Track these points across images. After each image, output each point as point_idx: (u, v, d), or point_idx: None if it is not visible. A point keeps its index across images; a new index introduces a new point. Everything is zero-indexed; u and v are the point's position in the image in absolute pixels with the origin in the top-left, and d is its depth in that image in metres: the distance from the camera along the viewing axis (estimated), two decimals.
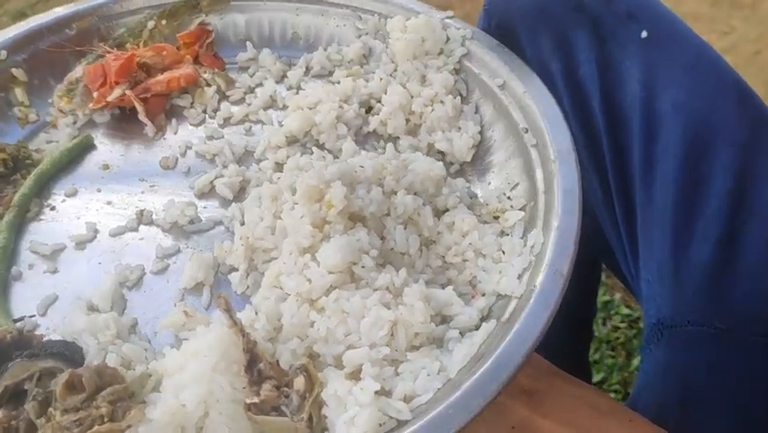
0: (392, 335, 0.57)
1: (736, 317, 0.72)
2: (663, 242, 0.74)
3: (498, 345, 0.54)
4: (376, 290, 0.60)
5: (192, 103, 0.84)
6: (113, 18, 0.87)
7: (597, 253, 0.92)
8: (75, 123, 0.81)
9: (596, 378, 1.44)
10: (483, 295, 0.62)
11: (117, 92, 0.78)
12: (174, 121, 0.82)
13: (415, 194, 0.67)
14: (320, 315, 0.58)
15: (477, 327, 0.59)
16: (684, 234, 0.73)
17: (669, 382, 0.77)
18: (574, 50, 0.78)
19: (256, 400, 0.51)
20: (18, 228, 0.71)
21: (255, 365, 0.52)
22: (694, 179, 0.72)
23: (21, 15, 2.97)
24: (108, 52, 0.83)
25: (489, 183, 0.73)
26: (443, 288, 0.63)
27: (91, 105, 0.79)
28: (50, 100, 0.82)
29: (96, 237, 0.71)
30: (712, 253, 0.71)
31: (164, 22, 0.86)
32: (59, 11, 0.85)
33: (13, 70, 0.81)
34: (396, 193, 0.66)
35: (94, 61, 0.82)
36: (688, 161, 0.72)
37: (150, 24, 0.86)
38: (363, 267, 0.61)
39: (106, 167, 0.78)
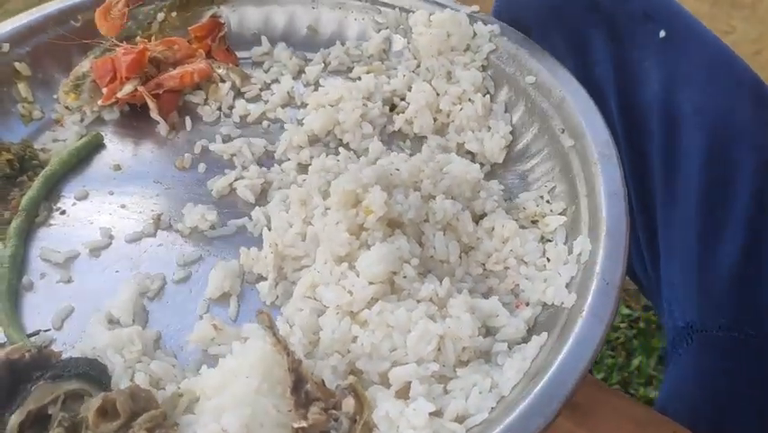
0: (439, 349, 0.54)
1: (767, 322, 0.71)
2: (688, 243, 0.72)
3: (552, 361, 0.52)
4: (419, 301, 0.57)
5: (206, 99, 0.80)
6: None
7: None
8: (82, 120, 0.76)
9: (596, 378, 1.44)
10: (527, 304, 0.60)
11: (128, 88, 0.74)
12: (188, 119, 0.78)
13: (452, 197, 0.64)
14: (363, 329, 0.55)
15: (524, 340, 0.57)
16: (710, 235, 0.71)
17: (701, 389, 0.75)
18: (589, 50, 0.77)
19: (304, 424, 0.47)
20: (27, 234, 0.66)
21: (301, 386, 0.49)
22: (718, 180, 0.70)
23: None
24: (117, 46, 0.78)
25: (524, 185, 0.71)
26: (485, 297, 0.61)
27: (100, 101, 0.75)
28: (55, 96, 0.77)
29: (111, 243, 0.67)
30: (738, 254, 0.70)
31: (174, 14, 0.82)
32: (63, 2, 0.80)
33: (16, 64, 0.76)
34: (434, 198, 0.63)
35: (101, 55, 0.78)
36: (711, 163, 0.71)
37: (160, 16, 0.81)
38: (405, 277, 0.58)
39: (118, 168, 0.73)
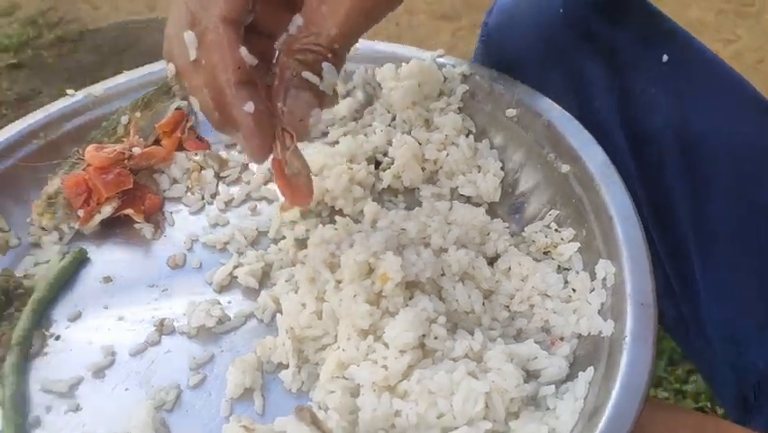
0: (487, 406, 0.51)
1: None
2: (745, 283, 0.70)
3: (607, 395, 0.49)
4: (454, 359, 0.54)
5: (188, 190, 0.77)
6: (81, 119, 0.80)
7: None
8: (61, 238, 0.73)
9: None
10: (562, 339, 0.58)
11: (108, 210, 0.71)
12: (170, 214, 0.75)
13: (462, 246, 0.62)
14: (405, 400, 0.52)
15: (569, 377, 0.55)
16: None
17: None
18: (588, 83, 0.75)
19: None
20: (24, 368, 0.62)
21: None
22: (757, 209, 0.69)
23: (31, 23, 2.99)
24: (81, 160, 0.75)
25: (526, 218, 0.69)
26: (516, 340, 0.58)
27: (77, 224, 0.72)
28: (28, 219, 0.74)
29: (114, 361, 0.63)
30: None
31: (138, 114, 0.79)
32: (23, 122, 0.78)
33: None
34: (445, 250, 0.61)
35: (70, 170, 0.75)
36: (742, 192, 0.69)
37: (124, 119, 0.79)
38: (436, 338, 0.55)
39: (108, 279, 0.70)
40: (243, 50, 0.50)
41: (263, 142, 0.51)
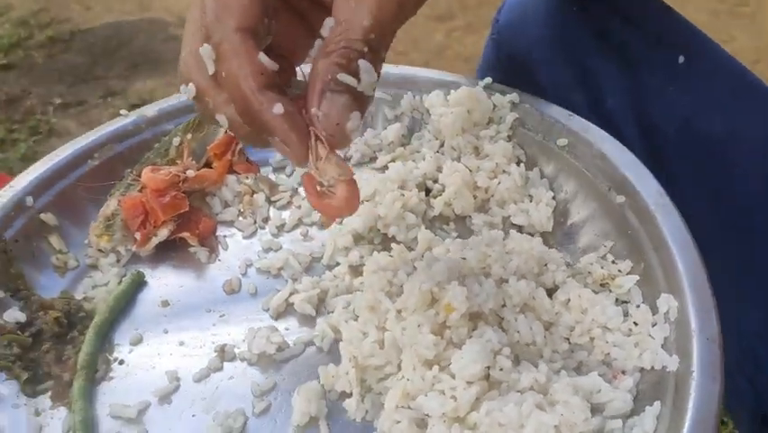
0: None
1: None
2: (766, 292, 0.70)
3: (676, 431, 0.50)
4: (520, 391, 0.55)
5: (240, 213, 0.78)
6: (134, 140, 0.81)
7: None
8: (119, 261, 0.74)
9: None
10: (624, 373, 0.59)
11: (164, 233, 0.72)
12: (224, 238, 0.76)
13: (522, 277, 0.63)
14: (474, 432, 0.53)
15: (633, 411, 0.56)
16: None
17: None
18: (600, 80, 0.75)
19: None
20: (91, 393, 0.63)
21: None
22: None
23: (23, 23, 3.02)
24: (137, 181, 0.77)
25: (580, 249, 0.70)
26: (577, 373, 0.59)
27: (134, 247, 0.73)
28: (86, 241, 0.75)
29: (179, 386, 0.64)
30: None
31: (189, 136, 0.80)
32: (77, 143, 0.79)
33: (42, 216, 0.73)
34: (506, 280, 0.62)
35: (126, 191, 0.76)
36: (762, 195, 0.70)
37: (176, 141, 0.80)
38: (501, 369, 0.56)
39: (166, 303, 0.71)
40: (263, 56, 0.47)
41: (302, 142, 0.47)
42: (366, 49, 0.47)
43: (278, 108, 0.46)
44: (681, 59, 0.73)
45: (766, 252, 0.73)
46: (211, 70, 0.49)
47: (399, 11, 0.48)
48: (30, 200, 0.73)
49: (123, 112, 0.82)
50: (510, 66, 0.78)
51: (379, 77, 0.48)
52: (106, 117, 2.36)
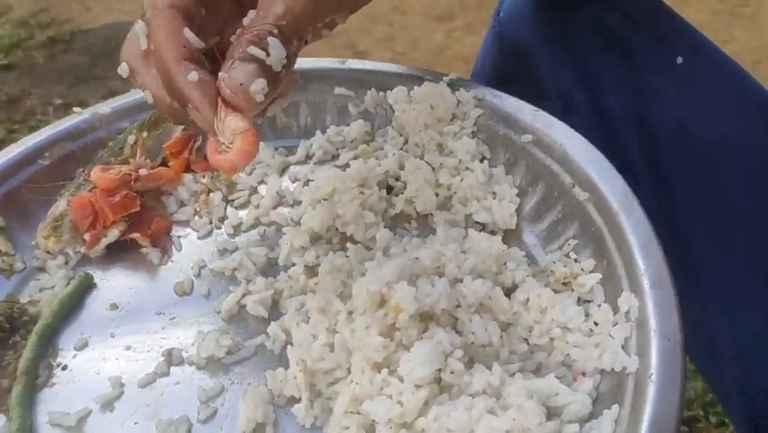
0: None
1: None
2: (758, 299, 0.68)
3: None
4: (472, 395, 0.53)
5: (195, 213, 0.76)
6: (87, 138, 0.79)
7: None
8: (67, 263, 0.71)
9: None
10: (584, 375, 0.56)
11: (114, 233, 0.70)
12: (178, 239, 0.74)
13: (478, 276, 0.60)
14: None
15: (592, 415, 0.53)
16: None
17: None
18: (601, 78, 0.74)
19: None
20: (31, 400, 0.61)
21: None
22: None
23: (23, 24, 3.00)
24: (87, 181, 0.74)
25: (544, 247, 0.68)
26: (536, 375, 0.57)
27: (83, 248, 0.70)
28: (33, 242, 0.72)
29: (123, 392, 0.61)
30: None
31: (145, 134, 0.78)
32: (28, 141, 0.76)
33: None
34: (461, 280, 0.59)
35: (76, 191, 0.74)
36: (758, 201, 0.68)
37: (131, 139, 0.78)
38: (452, 372, 0.53)
39: (114, 306, 0.68)
40: (188, 32, 0.50)
41: (212, 106, 0.50)
42: (276, 31, 0.50)
43: (193, 75, 0.49)
44: (680, 60, 0.72)
45: (761, 257, 0.71)
46: (143, 45, 0.52)
47: (314, 6, 0.51)
48: None
49: (76, 109, 0.80)
50: (511, 59, 0.77)
51: (291, 63, 0.51)
52: None
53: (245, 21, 0.52)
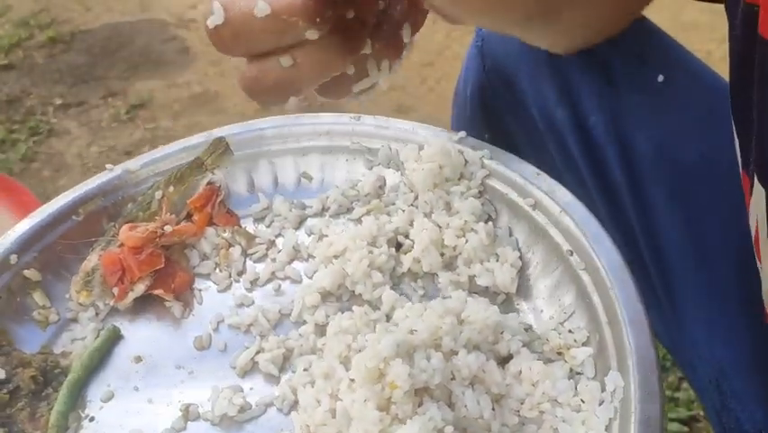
0: None
1: None
2: (733, 325, 0.69)
3: None
4: None
5: (216, 267, 0.80)
6: (118, 194, 0.84)
7: None
8: (97, 315, 0.77)
9: None
10: None
11: (140, 288, 0.75)
12: (199, 292, 0.79)
13: (474, 347, 0.63)
14: None
15: None
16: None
17: None
18: (582, 97, 0.74)
19: None
20: None
21: None
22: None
23: (23, 24, 3.08)
24: (117, 236, 0.79)
25: (541, 312, 0.70)
26: None
27: (111, 302, 0.76)
28: (67, 295, 0.78)
29: None
30: None
31: (171, 188, 0.83)
32: (61, 200, 0.82)
33: (26, 272, 0.77)
34: (456, 353, 0.62)
35: (107, 246, 0.79)
36: (737, 221, 0.68)
37: (158, 194, 0.82)
38: None
39: (139, 359, 0.73)
40: None
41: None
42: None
43: None
44: (661, 77, 0.71)
45: (738, 283, 0.71)
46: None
47: None
48: (14, 258, 0.76)
49: (108, 166, 0.85)
50: (495, 77, 0.77)
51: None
52: (106, 118, 2.43)
53: None
